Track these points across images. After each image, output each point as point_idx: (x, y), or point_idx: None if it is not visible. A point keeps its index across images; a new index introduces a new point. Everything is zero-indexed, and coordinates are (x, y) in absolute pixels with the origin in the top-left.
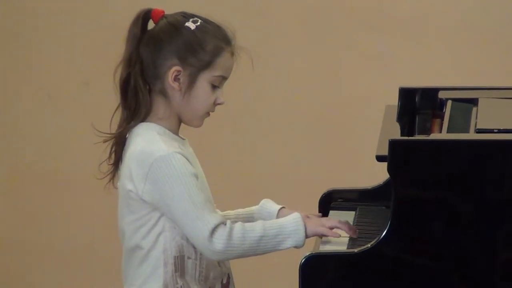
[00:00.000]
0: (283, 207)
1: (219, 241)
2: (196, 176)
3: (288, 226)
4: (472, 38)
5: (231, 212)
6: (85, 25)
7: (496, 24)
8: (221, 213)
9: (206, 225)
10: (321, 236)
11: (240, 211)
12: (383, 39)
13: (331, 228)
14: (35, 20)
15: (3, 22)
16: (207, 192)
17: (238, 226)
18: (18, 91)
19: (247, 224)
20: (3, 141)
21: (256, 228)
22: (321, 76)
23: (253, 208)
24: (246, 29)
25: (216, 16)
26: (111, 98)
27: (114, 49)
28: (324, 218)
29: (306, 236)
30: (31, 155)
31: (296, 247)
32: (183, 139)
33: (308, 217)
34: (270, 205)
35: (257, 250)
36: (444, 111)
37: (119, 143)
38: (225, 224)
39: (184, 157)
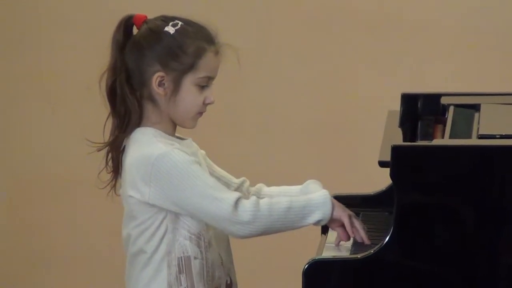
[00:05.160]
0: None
1: (246, 211)
2: (199, 164)
3: (316, 199)
4: (475, 44)
5: (275, 189)
6: (86, 30)
7: (498, 30)
8: (266, 189)
9: (226, 201)
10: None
11: (284, 189)
12: (385, 44)
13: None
14: (36, 26)
15: (4, 29)
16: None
17: (264, 199)
18: (20, 98)
19: (273, 198)
20: (5, 148)
21: (282, 200)
22: (323, 81)
23: (296, 189)
24: (249, 32)
25: (217, 19)
26: None
27: None
28: (353, 214)
29: (332, 214)
30: (34, 162)
31: (320, 221)
32: (183, 139)
33: None
34: (312, 187)
35: (285, 223)
36: (446, 116)
37: (114, 150)
38: (247, 198)
39: (184, 152)
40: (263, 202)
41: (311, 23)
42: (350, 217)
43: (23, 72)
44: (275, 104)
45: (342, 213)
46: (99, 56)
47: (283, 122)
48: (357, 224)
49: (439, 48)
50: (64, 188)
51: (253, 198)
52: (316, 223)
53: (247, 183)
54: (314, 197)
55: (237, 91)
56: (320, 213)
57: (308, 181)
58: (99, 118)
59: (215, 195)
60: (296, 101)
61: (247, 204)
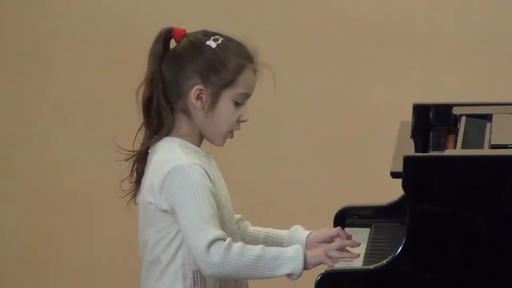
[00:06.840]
0: (311, 232)
1: (216, 253)
2: (212, 191)
3: (288, 252)
4: (486, 54)
5: (262, 230)
6: (98, 45)
7: (510, 39)
8: (252, 228)
9: (206, 236)
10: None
11: (271, 231)
12: (396, 55)
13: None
14: (48, 40)
15: (17, 43)
16: (228, 207)
17: (238, 243)
18: (33, 112)
19: (248, 244)
20: (19, 161)
21: (256, 248)
22: (335, 92)
23: (284, 232)
24: (260, 43)
25: (228, 30)
26: (125, 116)
27: (127, 68)
28: (330, 247)
29: (306, 265)
30: (47, 175)
31: (292, 275)
32: (207, 152)
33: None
34: (300, 232)
35: (254, 271)
36: (458, 127)
37: (141, 161)
38: (225, 240)
39: (204, 170)
40: (236, 246)
41: (322, 34)
42: (328, 257)
43: (35, 88)
44: (286, 114)
45: (320, 259)
46: (110, 71)
47: (295, 133)
48: (336, 254)
49: (450, 58)
50: (77, 201)
51: (228, 240)
52: (288, 276)
53: (244, 222)
54: (287, 249)
55: (248, 101)
56: (290, 267)
57: (295, 226)
58: (110, 132)
59: (202, 226)
60: (307, 111)
61: (219, 246)
